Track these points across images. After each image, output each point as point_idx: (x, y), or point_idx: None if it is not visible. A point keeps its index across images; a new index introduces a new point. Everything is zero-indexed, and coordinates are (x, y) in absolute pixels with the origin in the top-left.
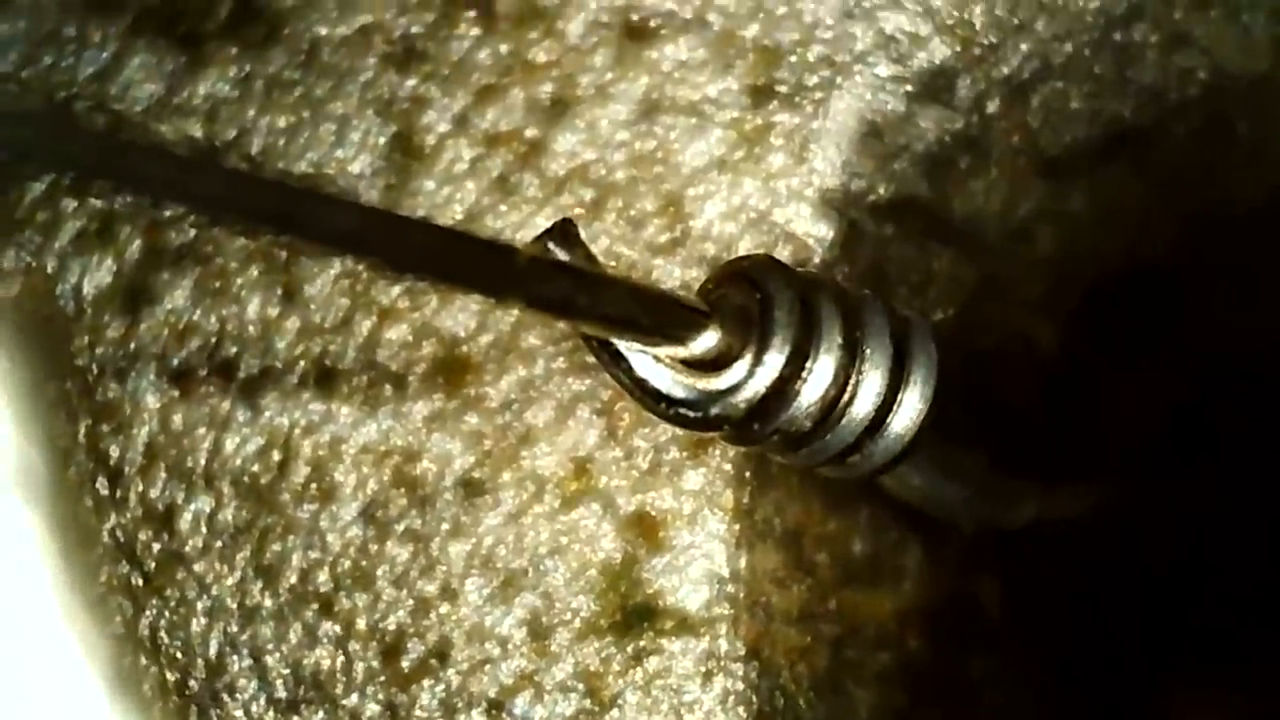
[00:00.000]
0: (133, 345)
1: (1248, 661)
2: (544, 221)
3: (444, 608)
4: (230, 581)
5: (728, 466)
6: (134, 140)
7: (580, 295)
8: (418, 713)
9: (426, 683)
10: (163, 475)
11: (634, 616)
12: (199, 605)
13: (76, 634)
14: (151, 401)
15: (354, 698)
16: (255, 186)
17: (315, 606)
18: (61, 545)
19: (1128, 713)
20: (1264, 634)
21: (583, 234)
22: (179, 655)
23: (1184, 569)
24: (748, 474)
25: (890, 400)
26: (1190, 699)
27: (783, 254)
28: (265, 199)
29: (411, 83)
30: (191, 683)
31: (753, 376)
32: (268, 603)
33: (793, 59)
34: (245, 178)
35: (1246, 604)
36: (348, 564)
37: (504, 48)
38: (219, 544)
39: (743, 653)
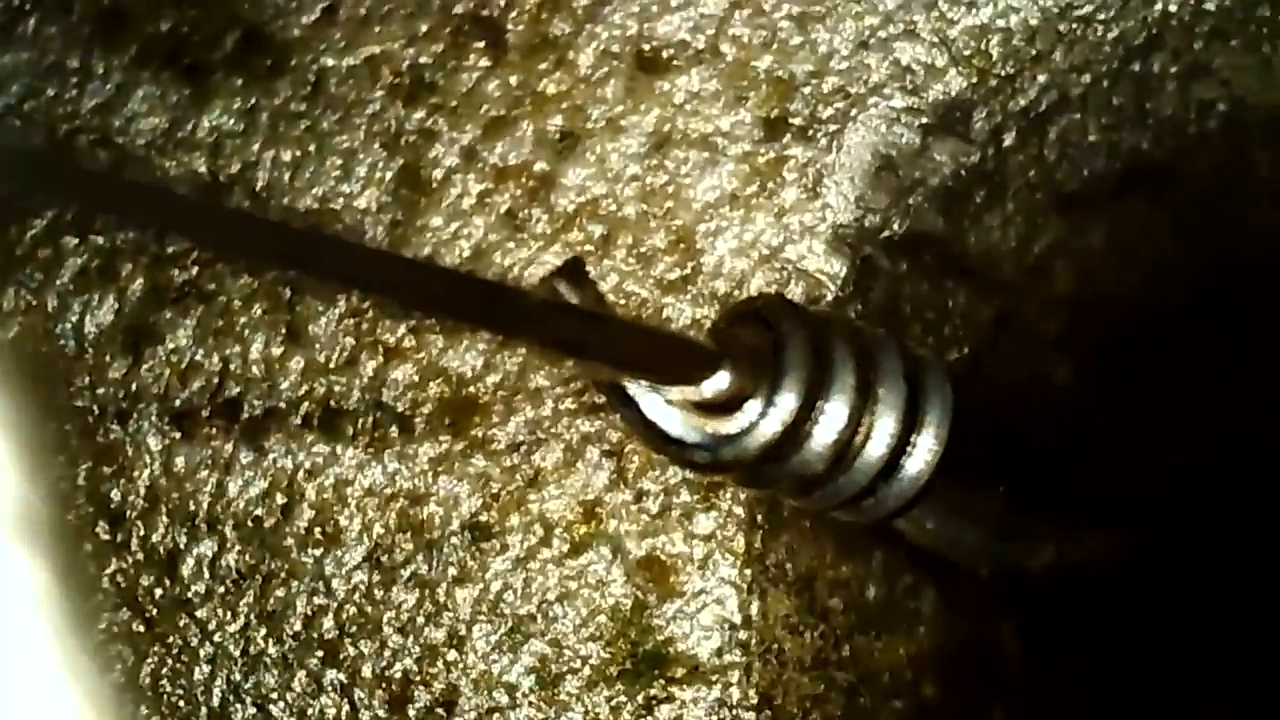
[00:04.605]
0: (134, 386)
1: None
2: (553, 259)
3: (451, 655)
4: (234, 628)
5: (739, 510)
6: (136, 181)
7: (589, 338)
8: None
9: None
10: (165, 519)
11: (644, 664)
12: (202, 653)
13: (77, 682)
14: (153, 443)
15: None
16: (258, 229)
17: (320, 654)
18: (62, 591)
19: None
20: None
21: (592, 272)
22: (181, 704)
23: (1202, 615)
24: (759, 517)
25: (904, 442)
26: None
27: (795, 291)
28: (268, 241)
29: (419, 115)
30: None
31: (764, 419)
32: (272, 650)
33: (806, 90)
34: (249, 219)
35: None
36: (353, 610)
37: (514, 79)
38: (222, 590)
39: (755, 701)
